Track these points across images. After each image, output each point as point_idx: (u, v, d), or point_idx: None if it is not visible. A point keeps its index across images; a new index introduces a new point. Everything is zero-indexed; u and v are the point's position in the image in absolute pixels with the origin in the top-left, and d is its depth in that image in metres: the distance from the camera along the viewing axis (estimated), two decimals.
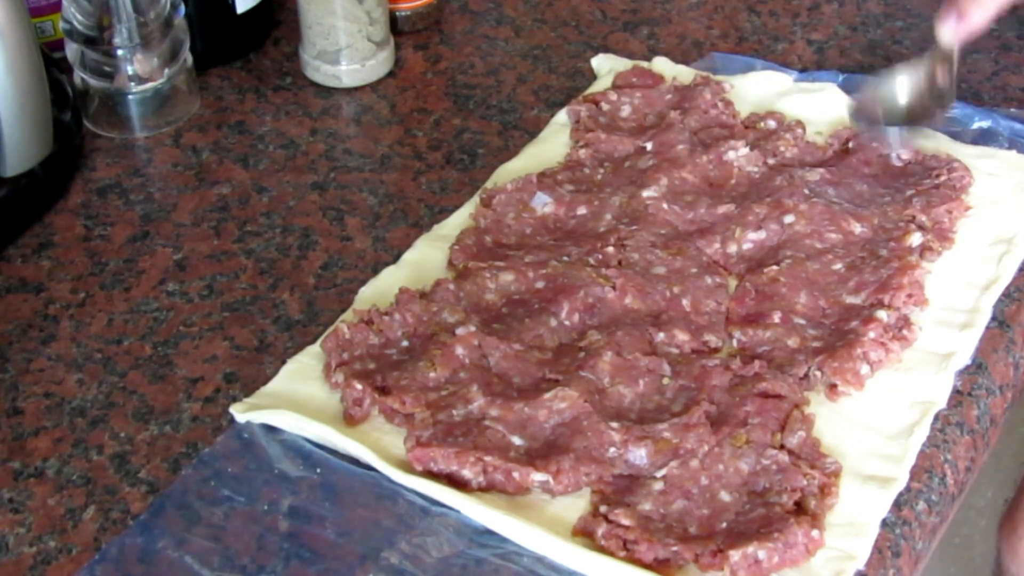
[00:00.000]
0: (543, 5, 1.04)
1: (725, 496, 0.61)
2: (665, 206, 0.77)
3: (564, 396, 0.64)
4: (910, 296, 0.71)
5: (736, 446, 0.62)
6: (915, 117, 0.80)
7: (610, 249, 0.74)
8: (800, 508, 0.59)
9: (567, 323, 0.70)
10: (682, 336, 0.69)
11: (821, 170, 0.80)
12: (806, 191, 0.77)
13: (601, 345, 0.67)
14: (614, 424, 0.63)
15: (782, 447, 0.62)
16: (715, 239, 0.75)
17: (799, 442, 0.62)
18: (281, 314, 0.74)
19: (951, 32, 0.77)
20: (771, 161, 0.81)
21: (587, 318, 0.70)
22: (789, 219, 0.75)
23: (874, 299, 0.70)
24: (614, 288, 0.71)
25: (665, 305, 0.71)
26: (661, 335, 0.69)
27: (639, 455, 0.62)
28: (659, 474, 0.61)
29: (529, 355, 0.68)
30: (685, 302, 0.71)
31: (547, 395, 0.64)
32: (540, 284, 0.72)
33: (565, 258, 0.74)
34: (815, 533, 0.58)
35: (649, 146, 0.83)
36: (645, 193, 0.78)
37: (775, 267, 0.72)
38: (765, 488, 0.60)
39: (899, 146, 0.80)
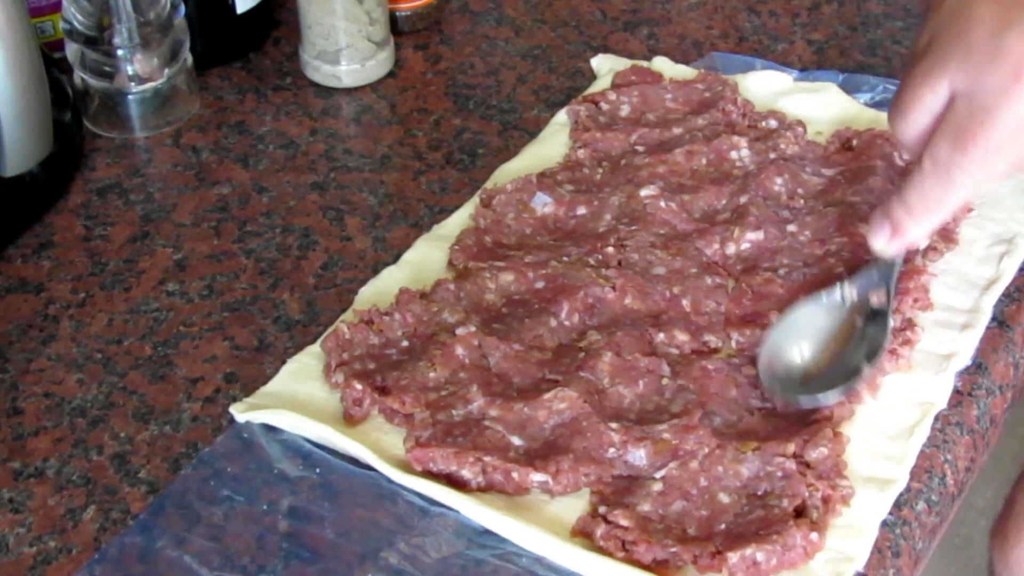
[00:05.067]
0: (543, 5, 1.04)
1: (724, 498, 0.60)
2: (663, 204, 0.77)
3: (564, 396, 0.64)
4: (916, 301, 0.70)
5: (741, 451, 0.62)
6: (837, 375, 0.65)
7: (610, 249, 0.74)
8: (800, 514, 0.59)
9: (567, 323, 0.70)
10: (682, 336, 0.69)
11: (831, 171, 0.80)
12: (811, 202, 0.77)
13: (601, 345, 0.67)
14: (613, 424, 0.63)
15: (798, 457, 0.61)
16: (715, 239, 0.75)
17: (819, 457, 0.61)
18: (281, 314, 0.74)
19: (885, 247, 0.66)
20: (772, 156, 0.81)
21: (587, 318, 0.70)
22: (792, 228, 0.75)
23: None
24: (614, 288, 0.71)
25: (665, 305, 0.71)
26: (661, 335, 0.69)
27: (638, 456, 0.62)
28: (658, 475, 0.61)
29: (529, 355, 0.68)
30: (685, 302, 0.71)
31: (546, 395, 0.64)
32: (540, 284, 0.72)
33: (565, 258, 0.74)
34: (814, 536, 0.58)
35: (643, 148, 0.83)
36: (643, 192, 0.78)
37: (770, 273, 0.72)
38: (766, 492, 0.60)
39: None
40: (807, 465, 0.61)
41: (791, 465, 0.61)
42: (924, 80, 0.60)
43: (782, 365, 0.66)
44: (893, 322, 0.67)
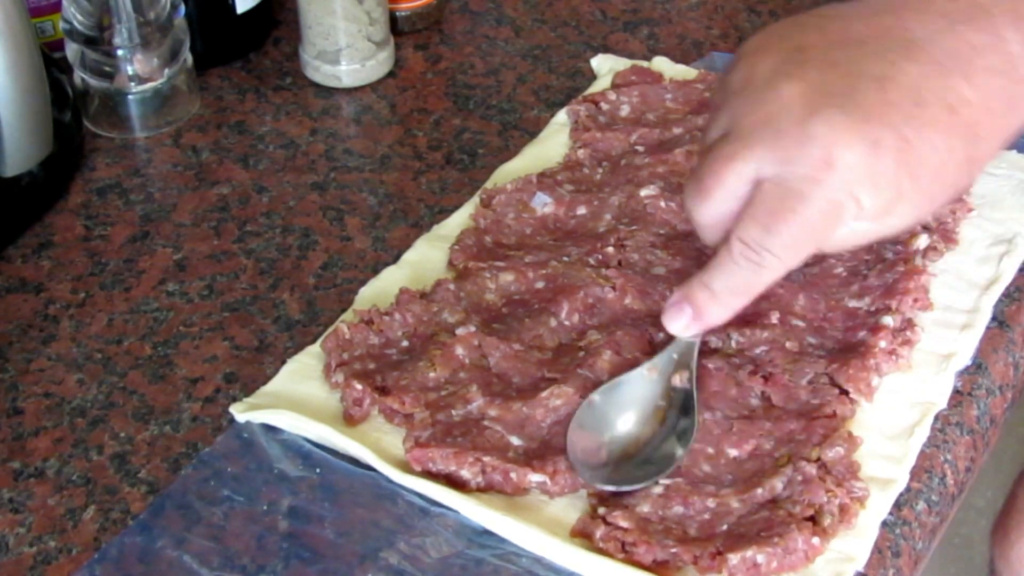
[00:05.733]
0: (543, 5, 1.04)
1: (734, 503, 0.60)
2: (663, 204, 0.77)
3: (559, 393, 0.64)
4: (916, 301, 0.70)
5: (780, 466, 0.61)
6: (648, 458, 0.62)
7: (610, 249, 0.74)
8: (813, 522, 0.59)
9: (567, 323, 0.70)
10: None
11: None
12: None
13: (600, 344, 0.67)
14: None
15: (817, 460, 0.61)
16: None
17: (836, 457, 0.61)
18: (281, 314, 0.75)
19: (684, 330, 0.64)
20: None
21: (587, 318, 0.70)
22: None
23: (880, 304, 0.70)
24: (614, 288, 0.71)
25: (665, 304, 0.71)
26: (661, 335, 0.69)
27: None
28: (662, 480, 0.61)
29: (529, 355, 0.68)
30: None
31: (543, 393, 0.64)
32: (540, 284, 0.72)
33: (565, 258, 0.74)
34: (816, 540, 0.57)
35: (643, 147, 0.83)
36: (643, 192, 0.78)
37: None
38: (783, 497, 0.60)
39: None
40: (825, 468, 0.61)
41: (812, 470, 0.61)
42: (728, 164, 0.58)
43: (594, 447, 0.63)
44: (696, 400, 0.64)
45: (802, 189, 0.57)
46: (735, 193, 0.59)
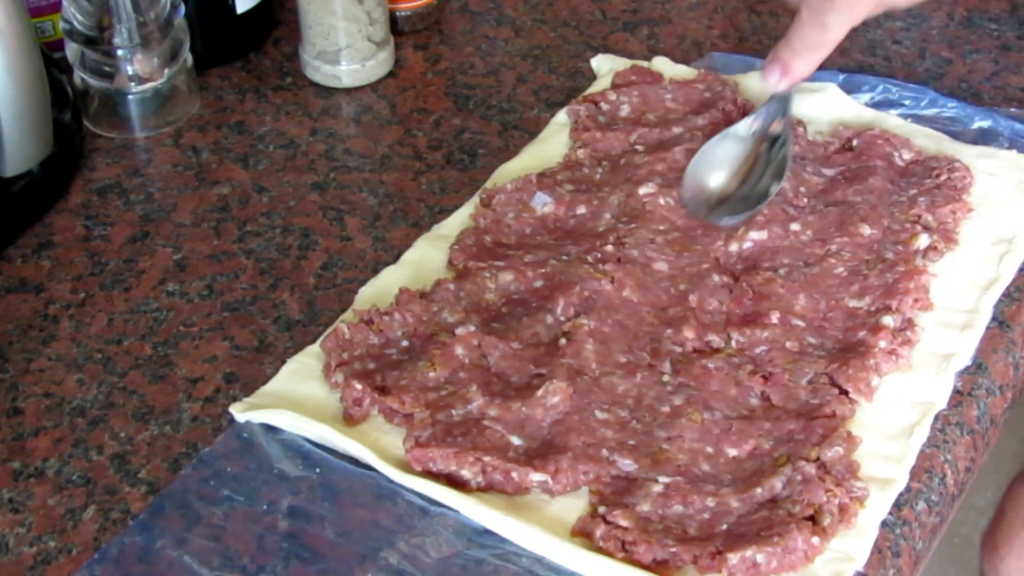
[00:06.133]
0: (543, 5, 1.04)
1: (733, 502, 0.60)
2: (662, 201, 0.77)
3: (555, 390, 0.64)
4: (916, 301, 0.70)
5: (779, 465, 0.62)
6: (750, 197, 0.76)
7: (609, 247, 0.74)
8: (813, 521, 0.59)
9: (562, 319, 0.70)
10: (689, 334, 0.69)
11: (832, 171, 0.80)
12: (812, 201, 0.77)
13: (584, 331, 0.67)
14: (605, 416, 0.63)
15: (817, 459, 0.61)
16: (719, 236, 0.75)
17: (835, 457, 0.61)
18: (281, 314, 0.74)
19: (778, 84, 0.77)
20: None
21: (582, 312, 0.70)
22: (795, 227, 0.75)
23: (880, 304, 0.70)
24: (612, 281, 0.71)
25: (668, 301, 0.71)
26: (669, 331, 0.69)
27: (626, 463, 0.62)
28: (662, 479, 0.61)
29: (525, 352, 0.68)
30: (692, 299, 0.71)
31: (539, 392, 0.64)
32: (539, 283, 0.72)
33: (564, 257, 0.74)
34: (815, 540, 0.58)
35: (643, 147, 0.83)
36: (642, 190, 0.78)
37: (771, 272, 0.72)
38: (783, 496, 0.60)
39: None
40: (824, 467, 0.61)
41: (811, 469, 0.61)
42: None
43: (702, 190, 0.76)
44: (795, 148, 0.79)
45: None
46: None
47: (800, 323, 0.70)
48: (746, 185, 0.76)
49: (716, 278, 0.72)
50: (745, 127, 0.78)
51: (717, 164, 0.77)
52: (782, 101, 0.78)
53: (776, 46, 0.76)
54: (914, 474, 0.63)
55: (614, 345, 0.68)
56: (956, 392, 0.68)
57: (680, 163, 0.80)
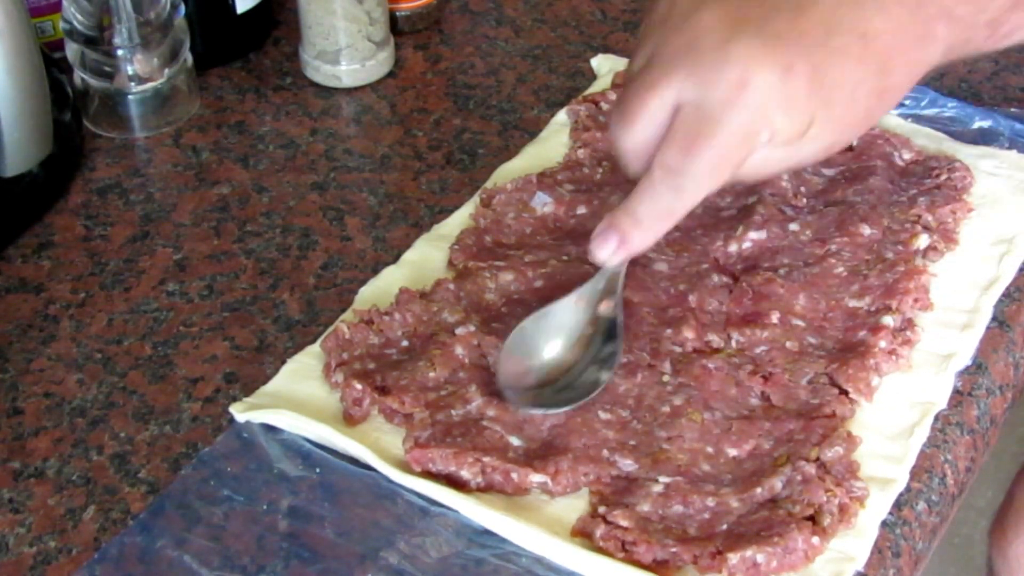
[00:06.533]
0: (543, 5, 1.04)
1: (734, 502, 0.60)
2: None
3: None
4: (916, 301, 0.70)
5: (779, 465, 0.62)
6: (573, 382, 0.65)
7: None
8: (813, 521, 0.59)
9: None
10: (689, 334, 0.69)
11: (832, 170, 0.80)
12: (812, 200, 0.77)
13: None
14: (607, 416, 0.63)
15: (816, 459, 0.61)
16: (718, 236, 0.75)
17: (835, 457, 0.61)
18: (281, 314, 0.74)
19: (610, 256, 0.64)
20: None
21: None
22: (794, 227, 0.75)
23: (880, 304, 0.70)
24: None
25: (667, 301, 0.71)
26: (668, 331, 0.69)
27: (627, 463, 0.62)
28: (661, 479, 0.61)
29: None
30: (692, 299, 0.71)
31: None
32: (539, 283, 0.72)
33: (565, 257, 0.74)
34: (816, 540, 0.58)
35: None
36: None
37: (770, 272, 0.72)
38: (783, 496, 0.60)
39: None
40: (824, 467, 0.61)
41: (811, 469, 0.61)
42: (651, 91, 0.60)
43: (522, 371, 0.65)
44: (620, 327, 0.66)
45: (718, 112, 0.58)
46: (657, 119, 0.60)
47: (800, 323, 0.70)
48: (572, 372, 0.66)
49: (716, 278, 0.72)
50: (572, 302, 0.67)
51: (537, 346, 0.66)
52: (611, 277, 0.67)
53: (613, 212, 0.63)
54: (914, 474, 0.63)
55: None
56: (956, 392, 0.68)
57: None
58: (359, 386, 0.65)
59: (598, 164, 0.82)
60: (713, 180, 0.60)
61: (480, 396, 0.65)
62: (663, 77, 0.59)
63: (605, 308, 0.66)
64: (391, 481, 0.62)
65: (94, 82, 0.88)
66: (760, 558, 0.57)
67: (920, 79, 0.62)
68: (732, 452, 0.63)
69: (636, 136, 0.61)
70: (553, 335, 0.66)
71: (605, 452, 0.62)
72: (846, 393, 0.65)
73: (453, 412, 0.64)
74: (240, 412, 0.66)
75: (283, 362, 0.69)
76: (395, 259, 0.76)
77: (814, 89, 0.58)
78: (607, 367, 0.65)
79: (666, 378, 0.67)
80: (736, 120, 0.58)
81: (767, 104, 0.58)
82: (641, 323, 0.70)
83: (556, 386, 0.65)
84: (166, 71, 0.88)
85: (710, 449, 0.63)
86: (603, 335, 0.66)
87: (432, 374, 0.66)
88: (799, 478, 0.60)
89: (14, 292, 0.77)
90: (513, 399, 0.64)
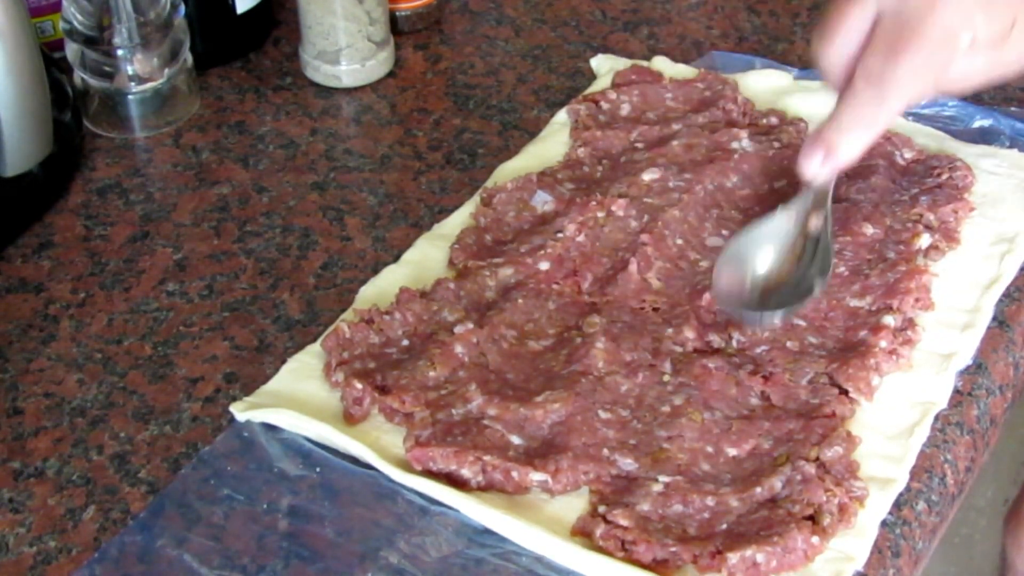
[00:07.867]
0: (543, 5, 1.04)
1: (733, 502, 0.60)
2: (671, 183, 0.77)
3: (555, 398, 0.64)
4: (917, 300, 0.70)
5: (779, 465, 0.61)
6: (787, 293, 0.68)
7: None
8: (813, 521, 0.59)
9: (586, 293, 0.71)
10: (689, 334, 0.69)
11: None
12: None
13: (596, 332, 0.68)
14: (607, 416, 0.63)
15: (816, 459, 0.61)
16: (719, 236, 0.75)
17: (835, 456, 0.61)
18: (281, 314, 0.74)
19: (818, 170, 0.66)
20: (776, 145, 0.81)
21: (599, 290, 0.71)
22: None
23: (881, 303, 0.70)
24: (639, 261, 0.72)
25: (680, 297, 0.71)
26: (669, 331, 0.69)
27: (627, 463, 0.62)
28: (662, 479, 0.61)
29: (523, 347, 0.68)
30: (706, 297, 0.71)
31: (538, 398, 0.64)
32: (544, 265, 0.73)
33: (559, 235, 0.74)
34: (815, 539, 0.58)
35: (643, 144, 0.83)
36: (647, 176, 0.78)
37: None
38: (783, 496, 0.60)
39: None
40: (823, 467, 0.61)
41: (811, 469, 0.61)
42: (851, 3, 0.62)
43: (737, 287, 0.68)
44: (836, 245, 0.71)
45: (918, 16, 0.59)
46: (857, 30, 0.62)
47: (801, 322, 0.70)
48: (787, 281, 0.68)
49: None
50: (780, 221, 0.69)
51: (751, 259, 0.69)
52: (820, 194, 0.68)
53: (818, 128, 0.65)
54: (914, 474, 0.63)
55: (623, 343, 0.68)
56: (956, 392, 0.68)
57: (680, 156, 0.80)
58: (359, 385, 0.65)
59: (598, 163, 0.82)
60: (915, 87, 0.62)
61: (480, 395, 0.65)
62: None
63: (815, 224, 0.68)
64: (391, 480, 0.62)
65: (94, 82, 0.88)
66: (760, 558, 0.57)
67: None
68: (732, 452, 0.63)
69: (838, 49, 0.63)
70: (765, 246, 0.69)
71: (605, 451, 0.62)
72: (846, 393, 0.65)
73: (453, 411, 0.64)
74: (240, 411, 0.66)
75: (283, 362, 0.69)
76: (395, 259, 0.76)
77: None
78: (821, 277, 0.67)
79: (666, 378, 0.67)
80: (937, 23, 0.59)
81: (967, 5, 0.59)
82: (643, 322, 0.70)
83: (775, 294, 0.68)
84: (166, 71, 0.88)
85: (710, 449, 0.63)
86: (814, 248, 0.68)
87: (432, 373, 0.66)
88: (799, 478, 0.60)
89: (14, 292, 0.77)
90: (732, 307, 0.67)
